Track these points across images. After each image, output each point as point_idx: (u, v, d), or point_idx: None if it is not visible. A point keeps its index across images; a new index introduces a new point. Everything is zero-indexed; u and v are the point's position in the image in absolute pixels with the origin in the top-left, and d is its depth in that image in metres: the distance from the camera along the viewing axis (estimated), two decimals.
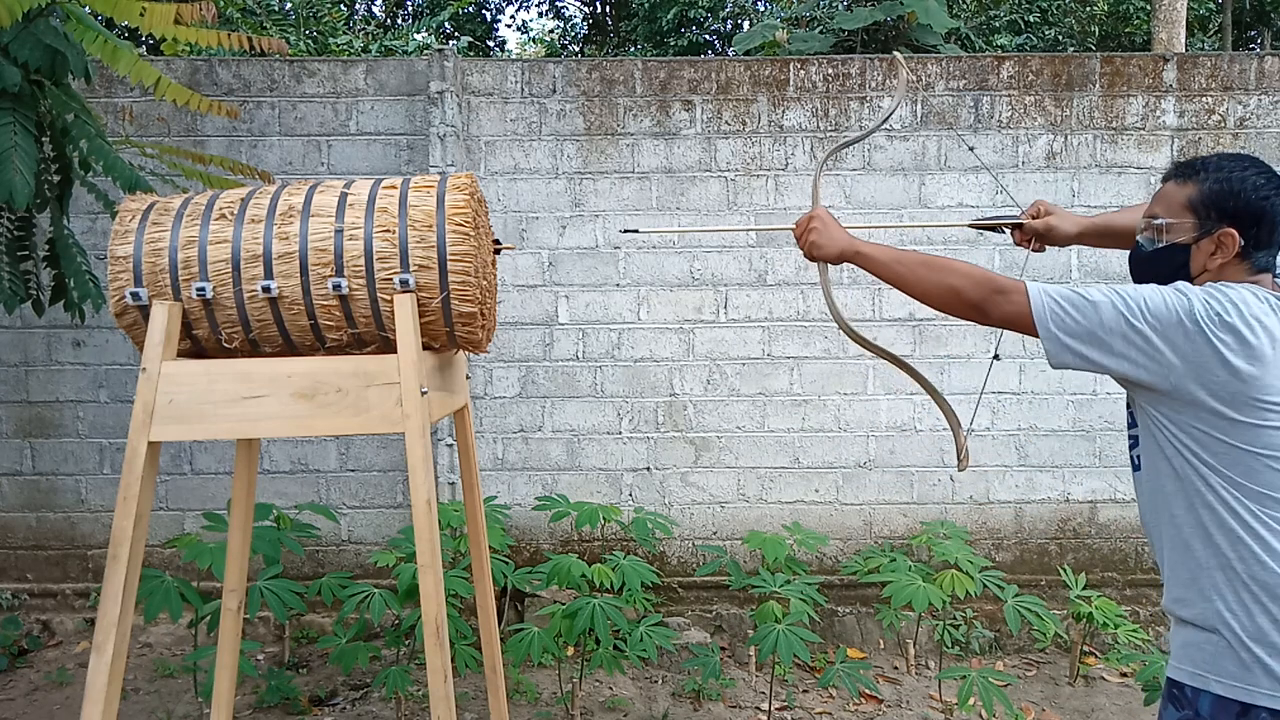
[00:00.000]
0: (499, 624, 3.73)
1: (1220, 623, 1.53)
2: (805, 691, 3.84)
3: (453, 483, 4.26)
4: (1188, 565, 1.58)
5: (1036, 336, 1.61)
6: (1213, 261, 1.61)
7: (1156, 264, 1.68)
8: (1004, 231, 2.16)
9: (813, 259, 1.99)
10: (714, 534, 4.43)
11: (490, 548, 3.20)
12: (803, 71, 4.32)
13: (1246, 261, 1.60)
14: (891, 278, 1.81)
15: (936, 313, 4.31)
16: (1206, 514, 1.55)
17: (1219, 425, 1.52)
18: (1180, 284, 1.58)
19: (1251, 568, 1.51)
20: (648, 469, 4.42)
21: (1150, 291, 1.56)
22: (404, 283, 2.01)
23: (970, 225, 2.23)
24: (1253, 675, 1.49)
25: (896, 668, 4.13)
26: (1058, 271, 4.33)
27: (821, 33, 8.07)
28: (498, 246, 2.41)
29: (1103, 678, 3.99)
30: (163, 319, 2.00)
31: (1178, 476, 1.58)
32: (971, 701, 3.14)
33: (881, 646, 4.31)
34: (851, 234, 1.94)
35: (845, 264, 1.94)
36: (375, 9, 12.07)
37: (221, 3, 6.96)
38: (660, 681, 3.97)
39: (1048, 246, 2.12)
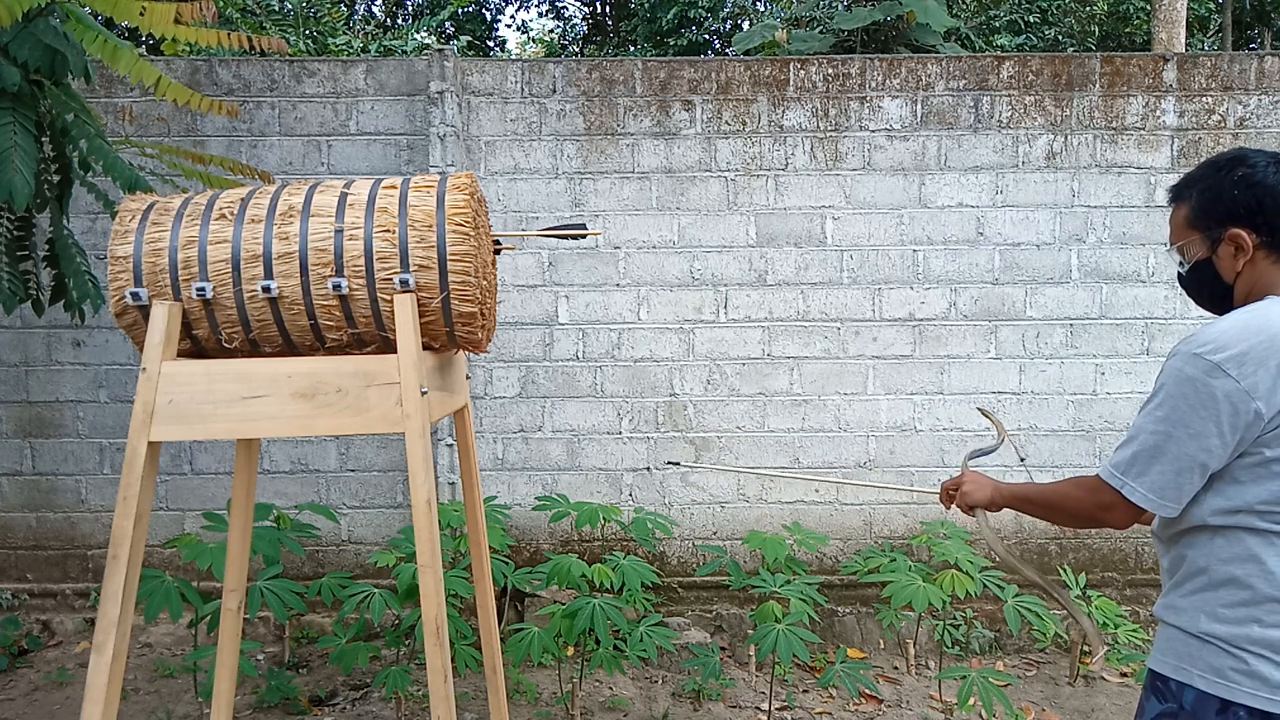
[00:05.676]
0: (499, 624, 3.73)
1: (1209, 630, 1.54)
2: (805, 691, 3.84)
3: (453, 483, 4.26)
4: (1195, 580, 1.58)
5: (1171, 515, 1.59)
6: (1239, 262, 1.60)
7: (1195, 282, 1.70)
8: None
9: (968, 508, 2.01)
10: (714, 534, 4.43)
11: (490, 548, 3.20)
12: (803, 71, 4.32)
13: (1275, 252, 1.58)
14: (1033, 515, 1.87)
15: (936, 313, 4.36)
16: (1219, 531, 1.54)
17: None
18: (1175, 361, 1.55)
19: (1256, 584, 1.50)
20: (648, 469, 4.42)
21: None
22: (404, 283, 2.00)
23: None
24: (1234, 672, 1.50)
25: (896, 668, 4.13)
26: (1057, 272, 4.33)
27: (821, 33, 8.08)
28: (498, 246, 2.41)
29: (1103, 678, 3.99)
30: (163, 319, 2.00)
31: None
32: (971, 701, 3.14)
33: (881, 646, 4.31)
34: (995, 482, 1.96)
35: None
36: (375, 9, 12.07)
37: (221, 3, 6.96)
38: (660, 681, 3.97)
39: None
